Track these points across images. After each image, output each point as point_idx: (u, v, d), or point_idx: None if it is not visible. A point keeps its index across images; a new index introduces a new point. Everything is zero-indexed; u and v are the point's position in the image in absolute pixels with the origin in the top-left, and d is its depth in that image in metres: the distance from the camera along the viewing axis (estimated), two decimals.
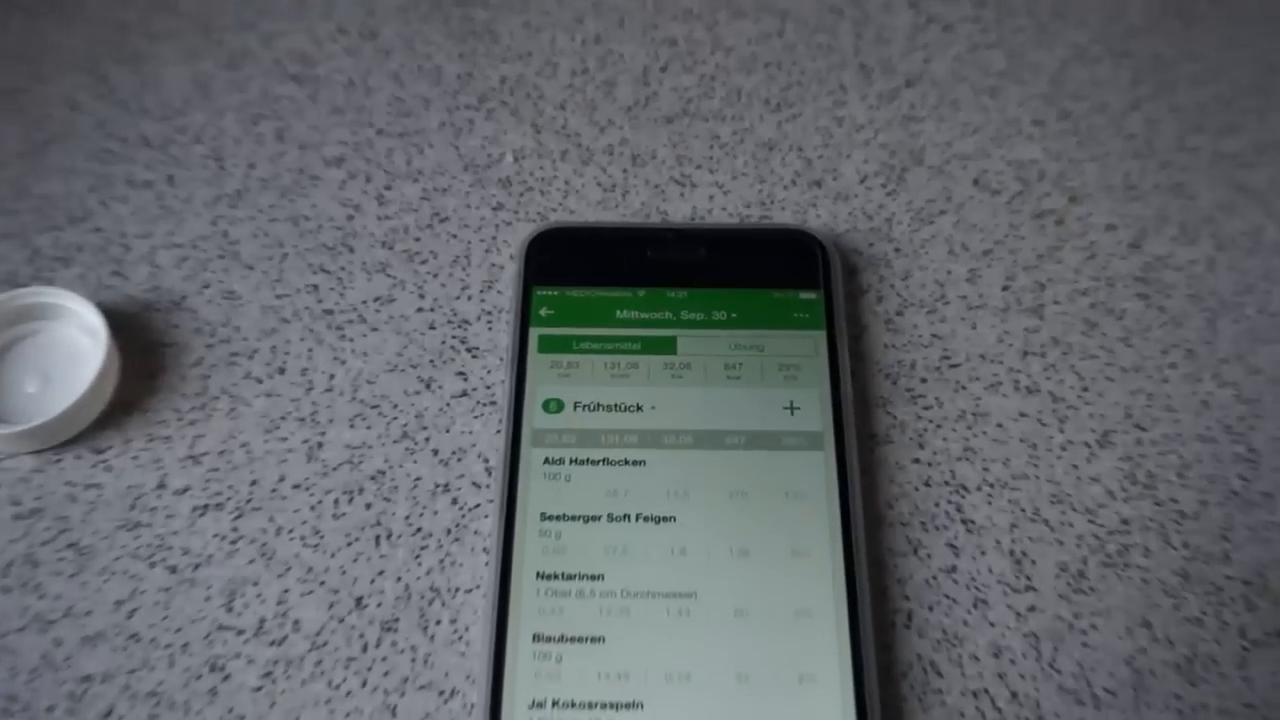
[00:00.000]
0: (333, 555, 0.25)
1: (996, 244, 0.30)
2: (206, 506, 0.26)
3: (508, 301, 0.29)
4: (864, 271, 0.30)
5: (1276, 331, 0.29)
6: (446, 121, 0.33)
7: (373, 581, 0.25)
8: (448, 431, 0.27)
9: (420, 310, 0.29)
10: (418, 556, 0.25)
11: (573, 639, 0.22)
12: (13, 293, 0.27)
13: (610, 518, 0.24)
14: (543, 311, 0.27)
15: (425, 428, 0.27)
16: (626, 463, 0.25)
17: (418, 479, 0.26)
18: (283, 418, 0.27)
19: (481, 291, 0.29)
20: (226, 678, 0.23)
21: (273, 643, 0.24)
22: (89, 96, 0.33)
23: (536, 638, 0.22)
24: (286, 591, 0.24)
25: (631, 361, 0.26)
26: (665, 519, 0.24)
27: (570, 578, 0.23)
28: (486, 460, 0.26)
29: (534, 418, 0.25)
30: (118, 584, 0.24)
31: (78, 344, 0.27)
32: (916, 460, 0.26)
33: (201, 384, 0.27)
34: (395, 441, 0.27)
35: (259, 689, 0.23)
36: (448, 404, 0.27)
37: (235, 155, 0.32)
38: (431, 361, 0.28)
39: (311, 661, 0.23)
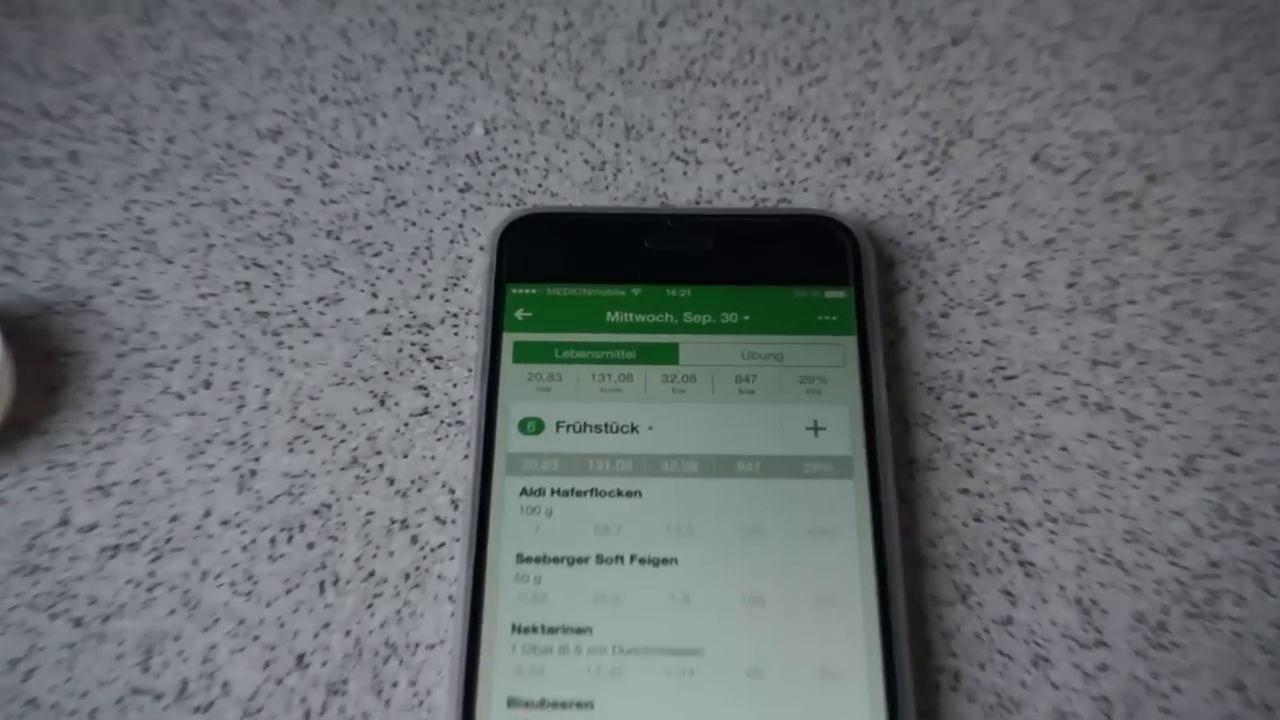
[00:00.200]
0: (269, 605, 0.25)
1: (1060, 232, 0.30)
2: (118, 547, 0.26)
3: (477, 301, 0.29)
4: (902, 265, 0.30)
5: None
6: (403, 86, 0.33)
7: (317, 636, 0.25)
8: (406, 457, 0.27)
9: (373, 312, 0.29)
10: (370, 606, 0.25)
11: (555, 704, 0.22)
12: None
13: (600, 559, 0.24)
14: (519, 313, 0.27)
15: (379, 452, 0.27)
16: (619, 494, 0.25)
17: (370, 514, 0.26)
18: (208, 441, 0.27)
19: (446, 290, 0.29)
20: None
21: (198, 709, 0.24)
22: None
23: (512, 703, 0.22)
24: (214, 648, 0.24)
25: (625, 373, 0.26)
26: (665, 561, 0.24)
27: (552, 631, 0.23)
28: (452, 491, 0.27)
29: (509, 440, 0.26)
30: (12, 639, 0.24)
31: None
32: (965, 490, 0.27)
33: (111, 401, 0.28)
34: (343, 469, 0.27)
35: None
36: (406, 424, 0.27)
37: (151, 127, 0.32)
38: (386, 373, 0.28)
39: None
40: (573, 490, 0.25)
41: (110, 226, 0.30)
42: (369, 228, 0.30)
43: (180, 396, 0.28)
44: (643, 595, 0.24)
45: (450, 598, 0.25)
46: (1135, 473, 0.27)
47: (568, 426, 0.26)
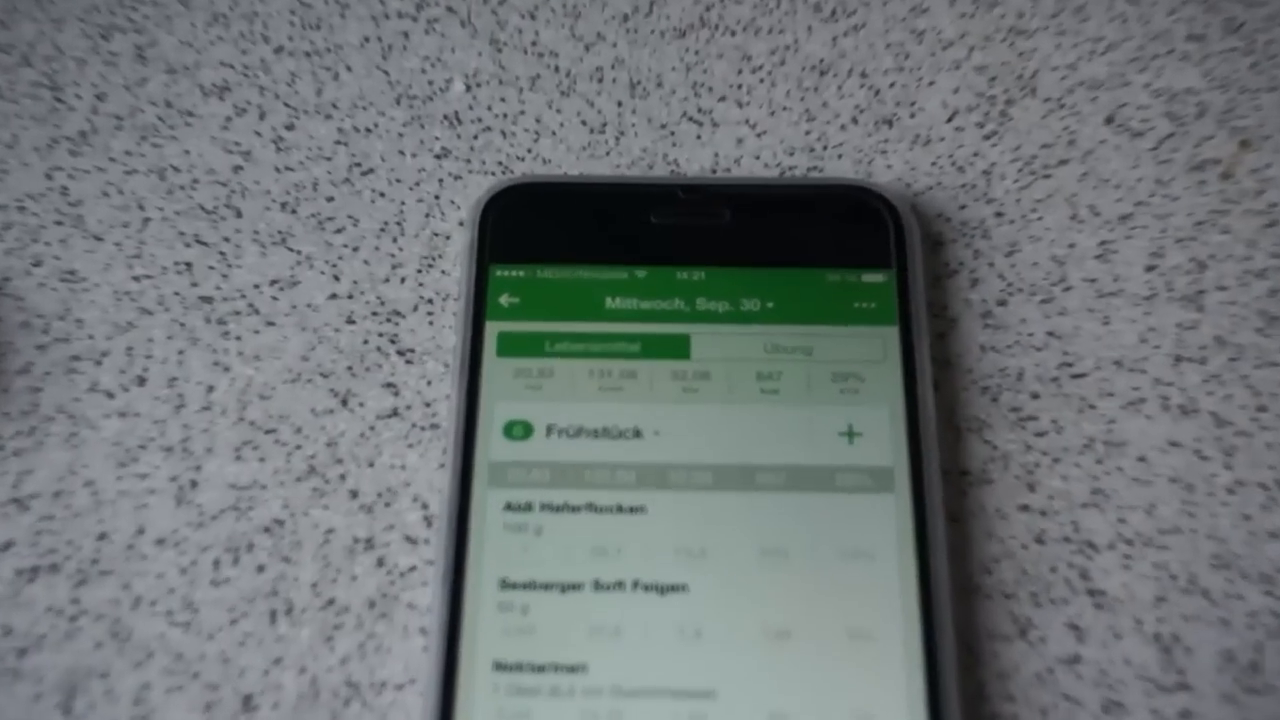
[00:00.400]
0: (211, 637, 0.25)
1: (1138, 206, 0.30)
2: (36, 569, 0.26)
3: (455, 285, 0.29)
4: (952, 244, 0.30)
5: None
6: (371, 35, 0.33)
7: (267, 673, 0.25)
8: (371, 466, 0.27)
9: (334, 297, 0.29)
10: (329, 639, 0.25)
11: None
12: None
13: (597, 586, 0.24)
14: (504, 299, 0.27)
15: (340, 460, 0.27)
16: (619, 510, 0.25)
17: (329, 532, 0.26)
18: (142, 446, 0.27)
19: (419, 272, 0.29)
20: None
21: None
22: None
23: None
24: (147, 687, 0.24)
25: (627, 369, 0.26)
26: (673, 588, 0.24)
27: (541, 670, 0.23)
28: (425, 506, 0.27)
29: (491, 447, 0.26)
30: None
31: None
32: (1025, 507, 0.27)
33: (30, 399, 0.28)
34: (298, 480, 0.27)
35: None
36: (372, 427, 0.27)
37: (78, 83, 0.32)
38: (349, 369, 0.28)
39: None
40: (566, 505, 0.25)
41: (30, 197, 0.30)
42: (330, 199, 0.30)
43: (110, 395, 0.28)
44: (647, 628, 0.24)
45: (422, 630, 0.25)
46: (1225, 487, 0.27)
47: (560, 431, 0.26)
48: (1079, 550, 0.26)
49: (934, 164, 0.31)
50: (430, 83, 0.32)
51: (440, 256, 0.30)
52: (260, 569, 0.26)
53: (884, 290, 0.27)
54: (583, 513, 0.25)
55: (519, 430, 0.26)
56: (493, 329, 0.27)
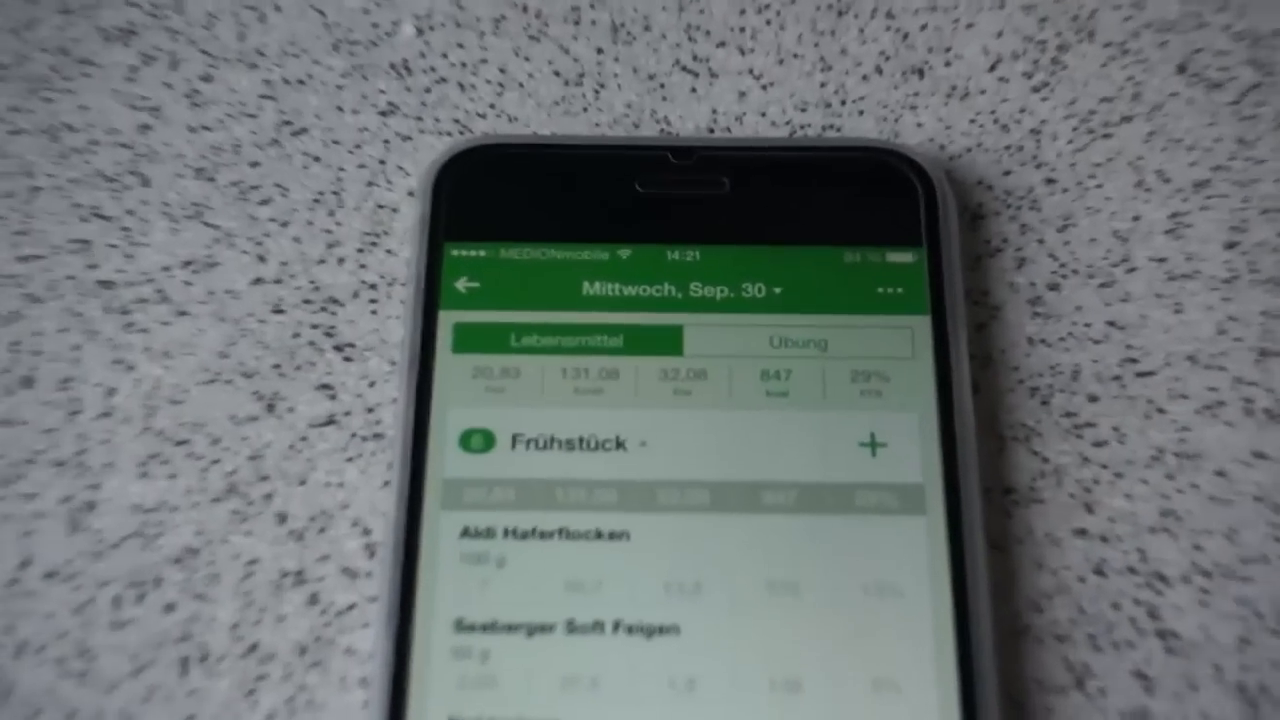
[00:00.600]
0: (110, 690, 0.25)
1: (1216, 171, 0.30)
2: None
3: (404, 268, 0.29)
4: (995, 217, 0.30)
5: None
6: None
7: None
8: (303, 484, 0.27)
9: (259, 281, 0.29)
10: (252, 693, 0.25)
11: None
12: None
13: (571, 628, 0.24)
14: (462, 284, 0.27)
15: (266, 477, 0.27)
16: (599, 536, 0.25)
17: (253, 563, 0.26)
18: (28, 461, 0.27)
19: (361, 251, 0.29)
20: None
21: None
22: None
23: None
24: None
25: (608, 367, 0.26)
26: (662, 630, 0.24)
27: None
28: (366, 532, 0.26)
29: (446, 461, 0.25)
30: None
31: None
32: (1082, 532, 0.26)
33: None
34: (216, 500, 0.27)
35: None
36: (304, 438, 0.27)
37: None
38: (277, 367, 0.28)
39: None
40: (534, 531, 0.25)
41: None
42: (255, 164, 0.30)
43: None
44: (630, 678, 0.24)
45: (363, 681, 0.25)
46: None
47: (528, 442, 0.26)
48: (1146, 584, 0.26)
49: (973, 122, 0.31)
50: (374, 25, 0.32)
51: (385, 233, 0.30)
52: (169, 608, 0.26)
53: (913, 273, 0.27)
54: (554, 540, 0.25)
55: (478, 441, 0.26)
56: (447, 319, 0.27)
